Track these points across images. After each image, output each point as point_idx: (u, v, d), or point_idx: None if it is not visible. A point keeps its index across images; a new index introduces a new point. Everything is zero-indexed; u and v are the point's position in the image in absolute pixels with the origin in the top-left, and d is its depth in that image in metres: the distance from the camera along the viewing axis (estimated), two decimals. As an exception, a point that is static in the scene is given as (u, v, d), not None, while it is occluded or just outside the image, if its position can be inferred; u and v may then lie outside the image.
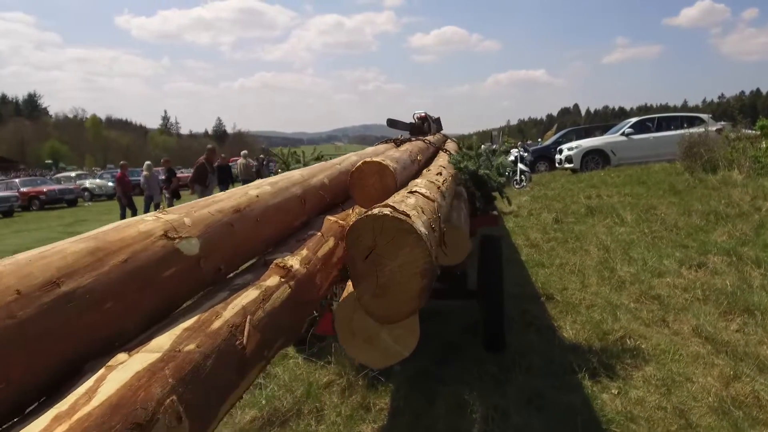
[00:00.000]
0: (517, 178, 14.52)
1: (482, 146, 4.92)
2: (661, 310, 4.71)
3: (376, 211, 1.24)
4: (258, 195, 1.52)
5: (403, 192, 1.80)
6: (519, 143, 25.91)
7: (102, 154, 79.94)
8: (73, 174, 36.47)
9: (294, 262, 1.41)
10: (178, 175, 25.21)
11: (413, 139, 4.81)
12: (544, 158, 19.91)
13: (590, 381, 3.60)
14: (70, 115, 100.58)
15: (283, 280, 1.29)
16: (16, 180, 29.20)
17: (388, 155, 2.36)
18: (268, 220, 1.51)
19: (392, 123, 7.40)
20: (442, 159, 4.10)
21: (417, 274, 1.23)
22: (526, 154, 15.84)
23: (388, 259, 1.23)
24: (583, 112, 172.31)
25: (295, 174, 2.01)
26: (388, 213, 1.22)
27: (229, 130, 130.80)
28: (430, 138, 5.27)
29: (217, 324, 0.97)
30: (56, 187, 27.74)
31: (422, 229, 1.26)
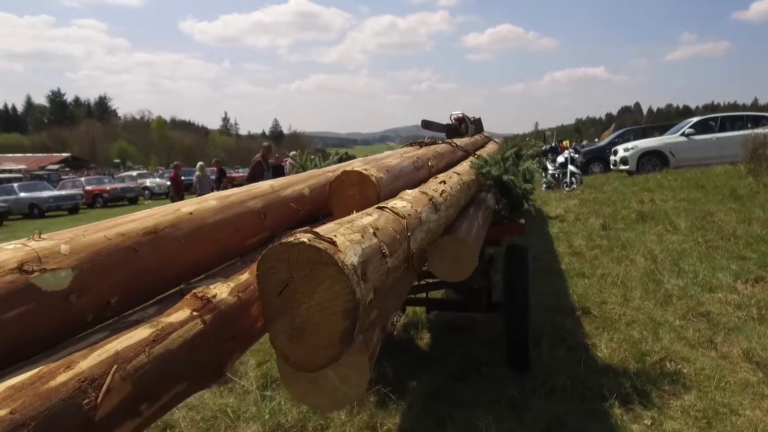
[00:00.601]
0: (567, 180, 13.92)
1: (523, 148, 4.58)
2: (709, 329, 4.29)
3: (291, 238, 1.05)
4: (192, 212, 1.37)
5: (372, 207, 1.61)
6: (574, 143, 25.02)
7: (166, 154, 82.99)
8: (134, 173, 38.14)
9: (222, 290, 1.24)
10: (236, 174, 25.93)
11: (440, 141, 4.58)
12: (599, 159, 19.09)
13: (621, 409, 3.28)
14: (137, 117, 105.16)
15: (195, 313, 1.13)
16: (82, 179, 30.77)
17: (377, 163, 2.16)
18: (203, 241, 1.35)
19: (427, 124, 7.18)
20: (463, 164, 3.86)
21: (338, 314, 1.03)
22: (576, 156, 15.17)
23: (305, 296, 1.04)
24: (645, 111, 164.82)
25: (264, 185, 1.85)
26: (305, 241, 1.03)
27: (285, 130, 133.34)
28: (458, 141, 5.02)
29: (61, 378, 0.81)
30: (118, 185, 29.08)
31: (350, 260, 1.06)
